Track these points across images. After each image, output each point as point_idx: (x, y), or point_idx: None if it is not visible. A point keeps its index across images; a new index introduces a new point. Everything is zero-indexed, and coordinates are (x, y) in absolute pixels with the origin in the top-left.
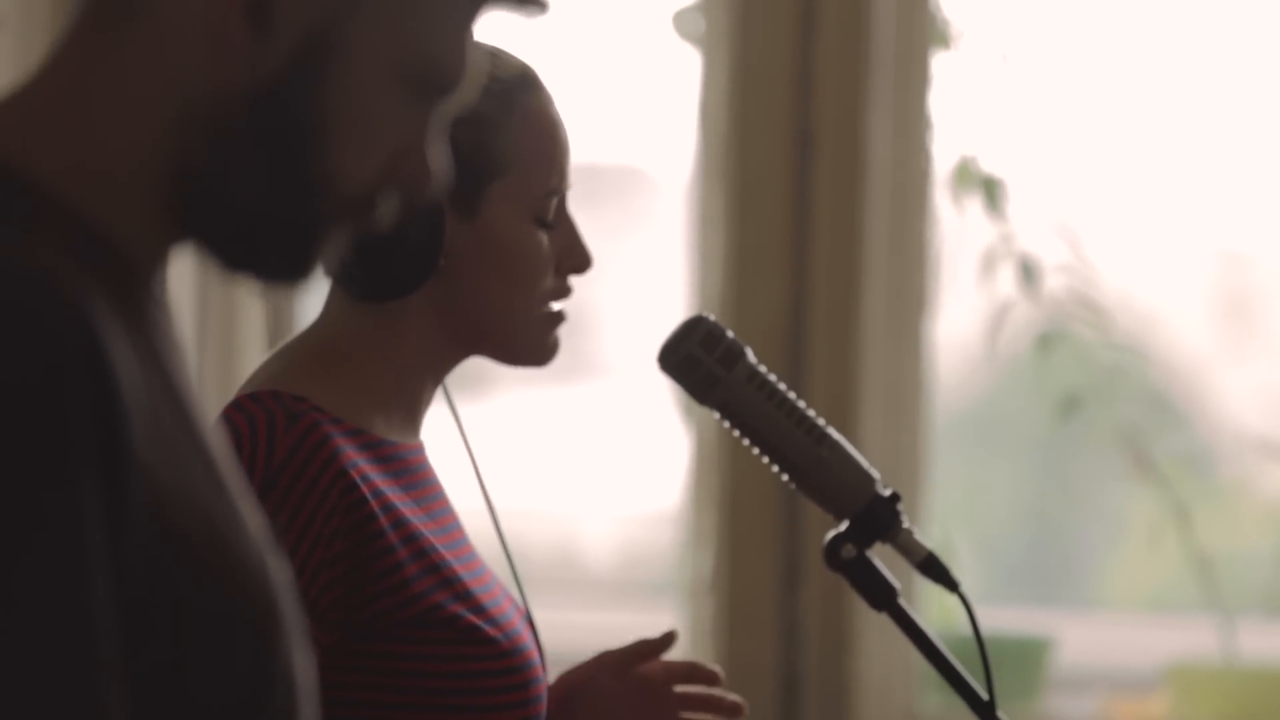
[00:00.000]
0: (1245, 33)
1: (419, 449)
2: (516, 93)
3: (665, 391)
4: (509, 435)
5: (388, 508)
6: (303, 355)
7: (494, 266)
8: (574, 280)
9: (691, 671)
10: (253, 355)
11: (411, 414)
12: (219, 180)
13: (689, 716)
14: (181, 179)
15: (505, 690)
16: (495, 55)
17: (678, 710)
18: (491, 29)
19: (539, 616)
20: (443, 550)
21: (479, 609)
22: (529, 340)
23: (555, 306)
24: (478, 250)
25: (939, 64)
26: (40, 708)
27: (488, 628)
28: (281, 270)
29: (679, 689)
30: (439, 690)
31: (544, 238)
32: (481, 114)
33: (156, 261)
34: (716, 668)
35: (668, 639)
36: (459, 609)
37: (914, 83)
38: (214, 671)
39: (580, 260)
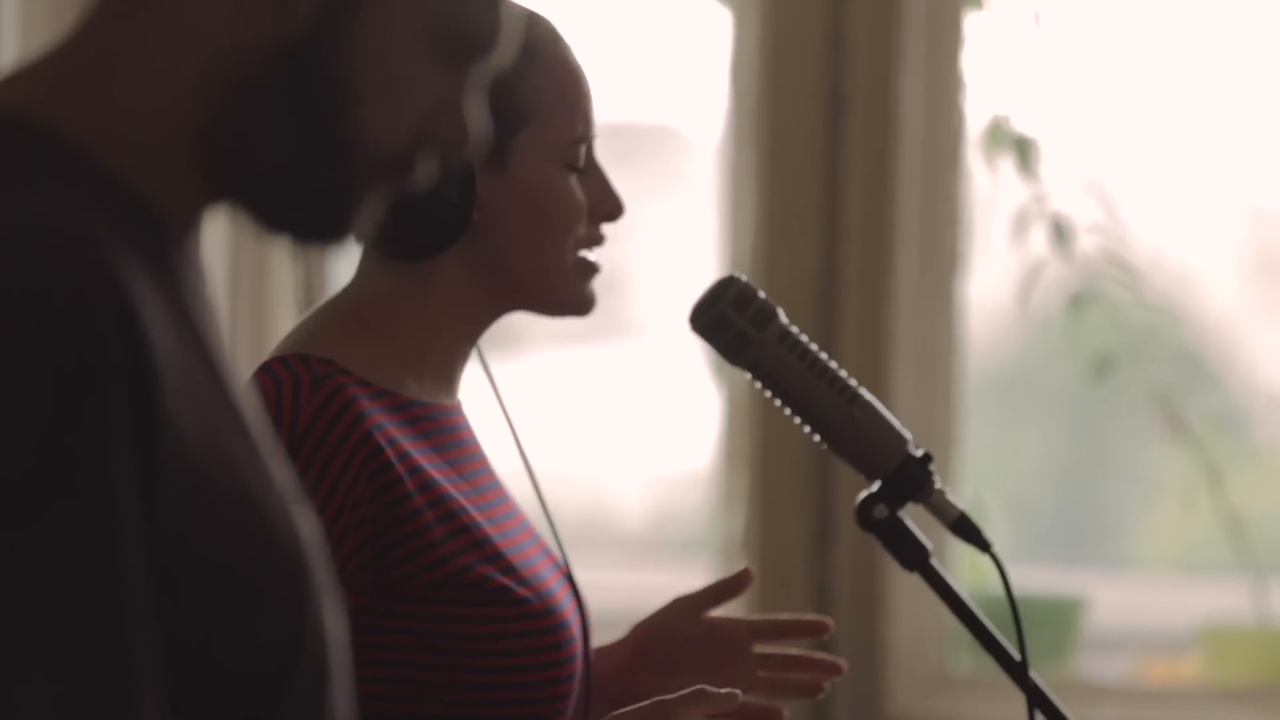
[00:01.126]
0: None
1: (453, 409)
2: (535, 43)
3: (697, 352)
4: (540, 395)
5: (414, 470)
6: (333, 318)
7: (528, 216)
8: (607, 239)
9: (778, 628)
10: (285, 317)
11: (446, 375)
12: (248, 139)
13: (768, 675)
14: (210, 138)
15: (535, 651)
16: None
17: (754, 668)
18: None
19: None
20: (473, 511)
21: (510, 569)
22: (567, 288)
23: (590, 256)
24: (510, 201)
25: (971, 24)
26: (70, 664)
27: (518, 589)
28: (314, 231)
29: (760, 649)
30: (468, 651)
31: (576, 185)
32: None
33: (189, 221)
34: (820, 619)
35: (743, 579)
36: (488, 570)
37: (946, 43)
38: (246, 629)
39: (613, 207)
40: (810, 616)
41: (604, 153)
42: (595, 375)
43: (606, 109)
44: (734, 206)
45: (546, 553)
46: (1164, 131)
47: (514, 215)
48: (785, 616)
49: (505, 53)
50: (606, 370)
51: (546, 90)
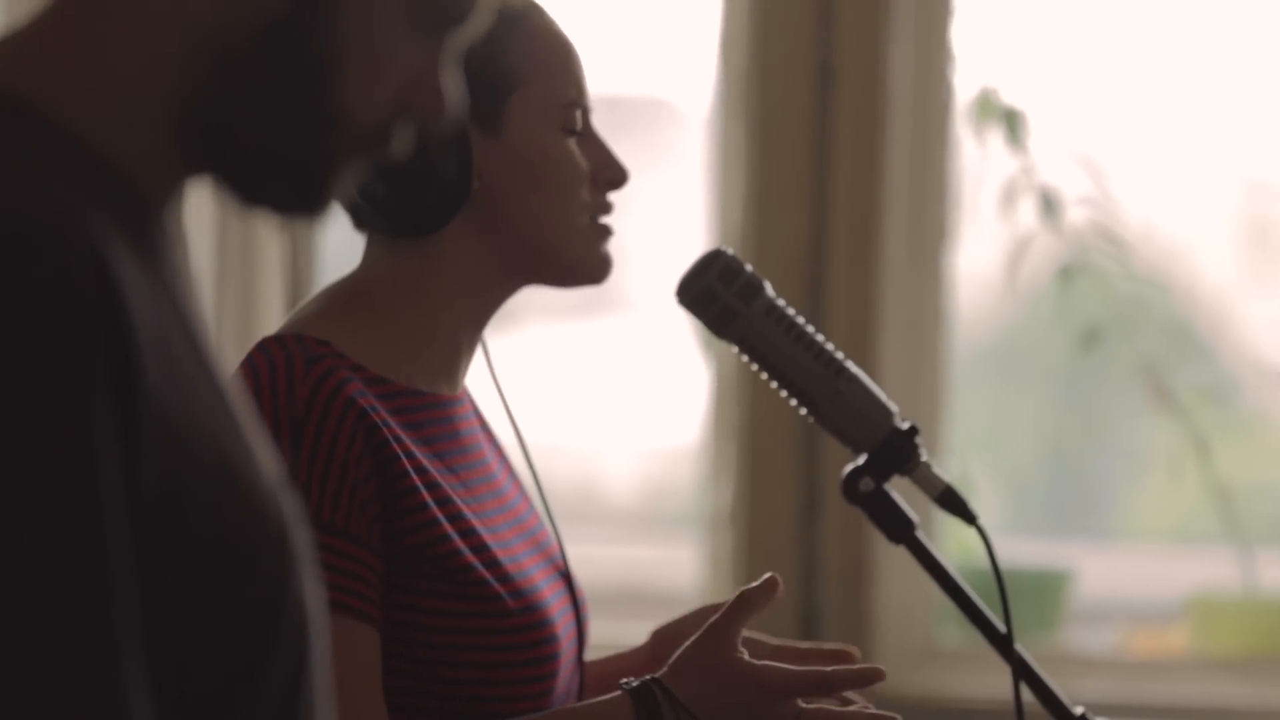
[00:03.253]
0: None
1: (452, 401)
2: (513, 9)
3: (686, 325)
4: (531, 370)
5: (409, 454)
6: (335, 301)
7: (529, 180)
8: (616, 206)
9: (811, 656)
10: (272, 294)
11: (449, 364)
12: (229, 111)
13: None
14: (191, 110)
15: (511, 649)
16: None
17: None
18: None
19: None
20: (461, 504)
21: (493, 563)
22: (578, 253)
23: (601, 220)
24: (509, 167)
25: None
26: (52, 633)
27: (497, 584)
28: (296, 204)
29: (807, 706)
30: (446, 644)
31: (574, 148)
32: (486, 31)
33: (169, 193)
34: (850, 649)
35: (771, 588)
36: (472, 560)
37: (935, 15)
38: (226, 601)
39: (616, 173)
40: (839, 648)
41: (595, 125)
42: (586, 349)
43: (597, 81)
44: (723, 179)
45: (542, 552)
46: (1154, 102)
47: (514, 180)
48: (812, 649)
49: (481, 21)
50: (597, 344)
51: (532, 53)
